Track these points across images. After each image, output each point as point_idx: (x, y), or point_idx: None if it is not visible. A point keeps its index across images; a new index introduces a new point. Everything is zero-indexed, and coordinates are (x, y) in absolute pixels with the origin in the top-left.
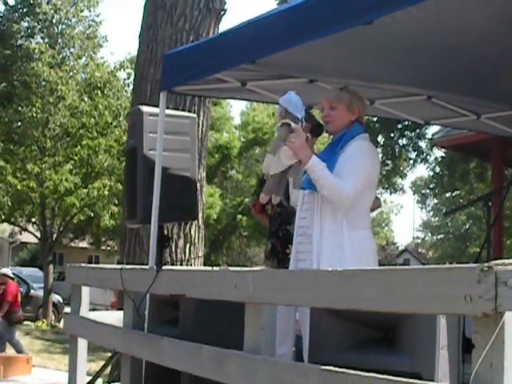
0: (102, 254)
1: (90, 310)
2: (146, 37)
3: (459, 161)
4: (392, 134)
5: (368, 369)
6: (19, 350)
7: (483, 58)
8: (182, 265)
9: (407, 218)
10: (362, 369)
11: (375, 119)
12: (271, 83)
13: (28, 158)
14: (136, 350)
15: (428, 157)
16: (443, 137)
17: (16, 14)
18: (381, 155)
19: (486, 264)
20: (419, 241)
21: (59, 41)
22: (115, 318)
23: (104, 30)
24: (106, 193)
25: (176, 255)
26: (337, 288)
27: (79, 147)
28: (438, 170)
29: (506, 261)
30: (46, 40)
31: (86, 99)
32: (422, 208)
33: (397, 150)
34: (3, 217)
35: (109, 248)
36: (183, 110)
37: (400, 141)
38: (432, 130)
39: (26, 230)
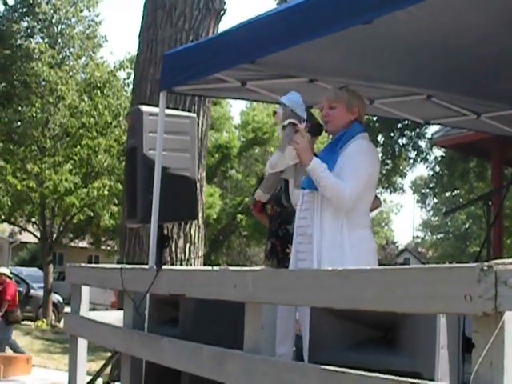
0: (101, 254)
1: (90, 309)
2: (146, 37)
3: (459, 160)
4: (392, 134)
5: (368, 368)
6: (16, 349)
7: (483, 57)
8: (181, 264)
9: (407, 218)
10: (362, 368)
11: (375, 119)
12: (271, 83)
13: (28, 157)
14: (136, 350)
15: (428, 156)
16: (443, 136)
17: (16, 13)
18: (381, 155)
19: (485, 263)
20: (419, 240)
21: (59, 41)
22: (115, 317)
23: (104, 30)
24: (106, 192)
25: (176, 255)
26: (337, 287)
27: (79, 147)
28: (437, 169)
29: (506, 260)
30: (46, 40)
31: (85, 99)
32: (421, 207)
33: (397, 149)
34: (3, 217)
35: (109, 248)
36: (183, 109)
37: (400, 140)
38: (432, 130)
39: (25, 229)
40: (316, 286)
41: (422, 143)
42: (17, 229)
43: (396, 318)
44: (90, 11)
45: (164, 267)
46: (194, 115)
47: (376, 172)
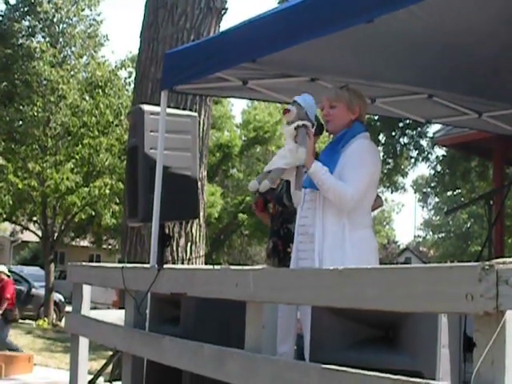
0: (103, 253)
1: (92, 308)
2: (147, 36)
3: (460, 159)
4: (393, 133)
5: (369, 368)
6: (14, 349)
7: (484, 56)
8: (183, 264)
9: (408, 217)
10: (363, 368)
11: (376, 118)
12: (272, 82)
13: (29, 156)
14: (137, 349)
15: (429, 155)
16: (444, 135)
17: (17, 13)
18: (382, 154)
19: (487, 263)
20: (420, 239)
21: (60, 40)
22: (116, 316)
23: (105, 29)
24: (107, 192)
25: (177, 254)
26: (338, 287)
27: (80, 146)
28: (439, 168)
29: (508, 259)
30: (47, 39)
31: (87, 98)
32: (423, 207)
33: (398, 148)
34: (4, 216)
35: (110, 247)
36: (184, 108)
37: (401, 139)
38: (433, 129)
39: (27, 228)
40: (317, 285)
41: (424, 142)
42: (18, 228)
43: (397, 318)
44: (91, 10)
45: (165, 266)
46: (196, 114)
47: (378, 171)
